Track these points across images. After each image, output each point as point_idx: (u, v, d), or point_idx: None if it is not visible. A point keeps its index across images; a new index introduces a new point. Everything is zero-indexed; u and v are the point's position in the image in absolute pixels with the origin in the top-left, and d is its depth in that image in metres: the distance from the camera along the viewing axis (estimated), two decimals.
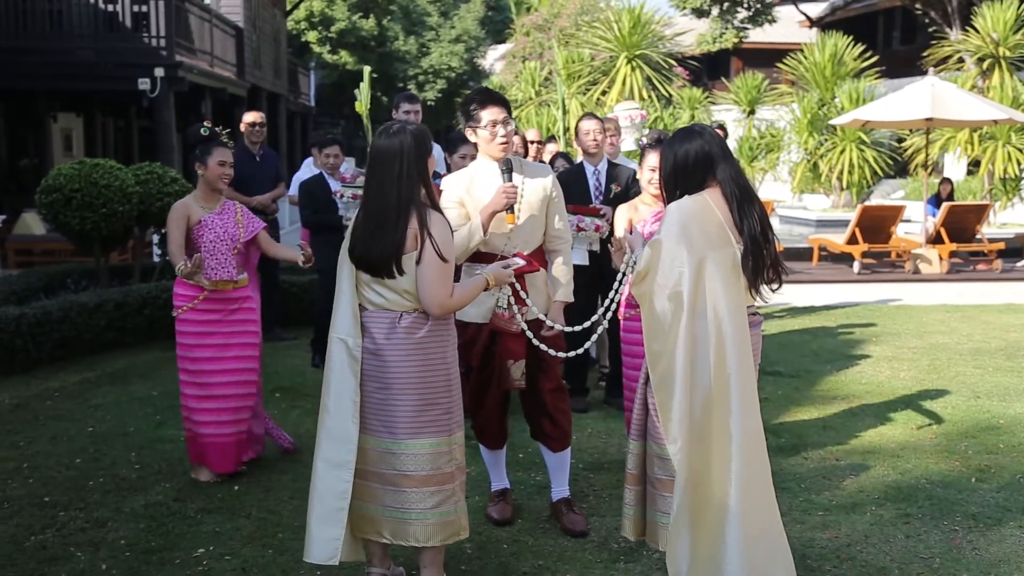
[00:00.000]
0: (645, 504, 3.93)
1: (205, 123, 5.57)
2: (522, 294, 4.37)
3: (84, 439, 6.02)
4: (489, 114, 4.43)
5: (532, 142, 8.08)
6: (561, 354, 4.47)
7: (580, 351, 4.71)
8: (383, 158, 3.67)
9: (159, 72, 15.53)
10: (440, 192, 6.09)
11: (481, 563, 4.28)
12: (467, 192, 4.49)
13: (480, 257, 4.43)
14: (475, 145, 4.63)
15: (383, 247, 3.63)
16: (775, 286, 3.86)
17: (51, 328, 7.75)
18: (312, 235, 8.08)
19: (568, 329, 4.46)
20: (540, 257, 4.61)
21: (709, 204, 3.71)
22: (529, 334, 4.35)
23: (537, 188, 4.54)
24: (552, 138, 8.60)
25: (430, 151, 3.77)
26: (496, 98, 4.49)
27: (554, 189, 4.62)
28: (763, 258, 3.72)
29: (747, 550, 3.57)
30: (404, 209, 3.63)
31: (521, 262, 4.06)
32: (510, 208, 4.37)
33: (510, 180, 4.39)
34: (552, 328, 4.45)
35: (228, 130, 5.96)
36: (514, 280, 4.13)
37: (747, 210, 3.71)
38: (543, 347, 4.36)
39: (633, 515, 3.95)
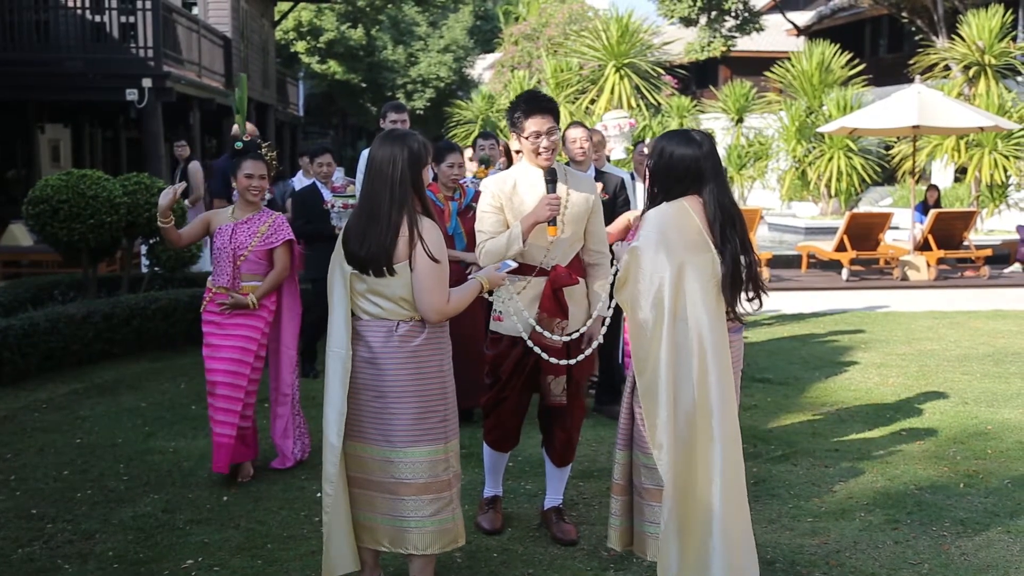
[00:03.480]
0: (631, 514, 3.92)
1: (243, 137, 5.58)
2: (546, 331, 4.34)
3: (72, 451, 5.99)
4: (534, 124, 4.34)
5: (517, 151, 8.06)
6: (555, 360, 4.44)
7: (580, 359, 4.68)
8: (379, 163, 3.73)
9: (147, 83, 15.50)
10: (440, 206, 6.12)
11: (471, 572, 4.27)
12: (508, 199, 4.42)
13: (518, 269, 4.34)
14: (462, 152, 4.60)
15: (372, 242, 3.66)
16: (756, 304, 3.86)
17: (39, 339, 7.72)
18: (306, 245, 8.06)
19: (559, 338, 4.45)
20: (578, 268, 4.55)
21: (687, 210, 3.72)
22: (529, 342, 4.33)
23: (581, 200, 4.47)
24: None
25: (426, 162, 3.78)
26: (542, 107, 4.38)
27: (596, 200, 4.56)
28: (741, 277, 3.73)
29: (729, 552, 3.59)
30: (396, 208, 3.66)
31: (513, 264, 4.05)
32: (552, 220, 4.30)
33: (554, 191, 4.32)
34: (591, 344, 4.45)
35: (268, 143, 5.93)
36: (505, 283, 4.12)
37: (729, 234, 3.69)
38: (544, 355, 4.34)
39: (619, 525, 3.94)
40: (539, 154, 4.37)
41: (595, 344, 4.47)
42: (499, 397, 4.57)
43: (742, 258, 3.73)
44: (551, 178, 4.33)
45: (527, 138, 4.37)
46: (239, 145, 5.46)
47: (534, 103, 4.40)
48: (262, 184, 5.42)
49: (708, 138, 3.85)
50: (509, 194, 4.43)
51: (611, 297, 4.41)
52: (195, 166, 12.87)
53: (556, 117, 4.42)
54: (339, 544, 3.79)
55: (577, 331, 4.44)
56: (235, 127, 8.86)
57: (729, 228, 3.71)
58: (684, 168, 3.74)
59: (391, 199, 3.68)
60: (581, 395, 4.65)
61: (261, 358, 5.50)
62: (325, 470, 3.77)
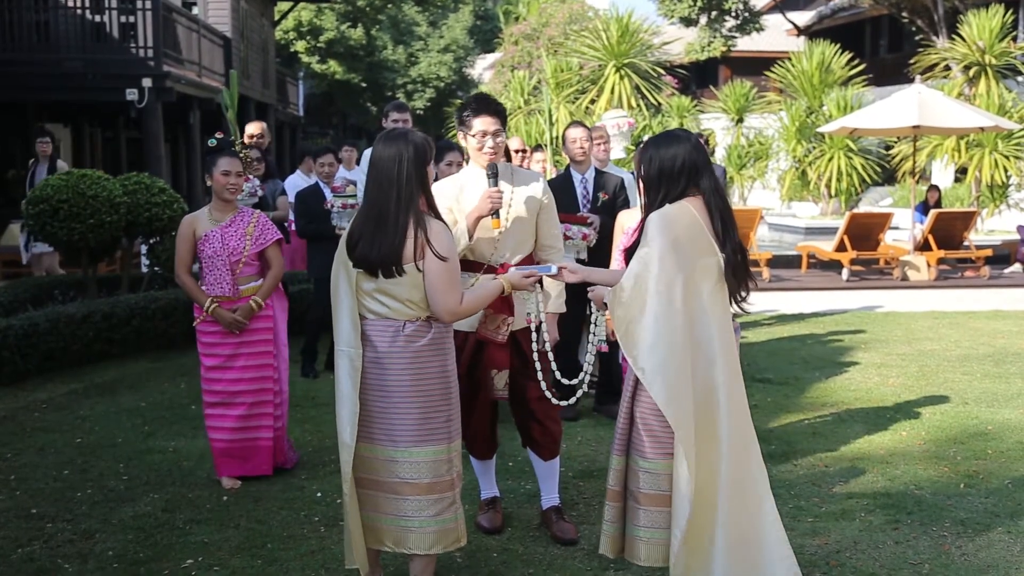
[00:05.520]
0: (624, 520, 3.89)
1: (216, 134, 5.56)
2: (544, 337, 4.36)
3: (72, 450, 5.99)
4: (481, 123, 4.41)
5: (516, 151, 8.06)
6: (558, 400, 4.44)
7: (574, 399, 4.66)
8: (382, 163, 3.71)
9: (147, 83, 15.49)
10: None
11: (471, 571, 4.27)
12: (455, 200, 4.49)
13: (467, 266, 4.41)
14: (461, 151, 4.63)
15: (382, 245, 3.65)
16: (743, 293, 3.86)
17: (38, 339, 7.71)
18: (308, 244, 8.07)
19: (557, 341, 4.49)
20: (529, 264, 4.61)
21: (692, 212, 3.69)
22: (535, 349, 4.34)
23: (527, 195, 4.53)
24: (539, 147, 8.63)
25: (430, 159, 3.78)
26: (491, 108, 4.45)
27: (545, 196, 4.61)
28: (740, 274, 3.73)
29: (732, 556, 3.58)
30: (403, 209, 3.65)
31: (554, 269, 4.05)
32: (495, 213, 4.35)
33: (495, 185, 4.37)
34: (545, 342, 4.45)
35: (240, 140, 5.90)
36: (532, 289, 4.14)
37: (728, 223, 3.70)
38: (537, 363, 4.35)
39: (612, 532, 3.86)
40: (482, 150, 4.43)
41: (591, 362, 4.45)
42: (464, 400, 4.54)
43: (745, 250, 3.74)
44: (492, 172, 4.39)
45: (473, 136, 4.43)
46: (213, 142, 5.44)
47: (483, 104, 4.48)
48: (239, 182, 5.41)
49: (690, 132, 3.87)
50: (456, 195, 4.49)
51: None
52: (62, 166, 11.82)
53: (504, 121, 4.50)
54: (357, 543, 3.80)
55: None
56: (250, 126, 8.86)
57: (728, 217, 3.71)
58: (680, 164, 3.70)
59: (398, 200, 3.66)
60: (548, 385, 4.64)
61: (276, 355, 5.54)
62: (342, 470, 3.77)
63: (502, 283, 3.93)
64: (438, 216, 3.79)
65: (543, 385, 4.32)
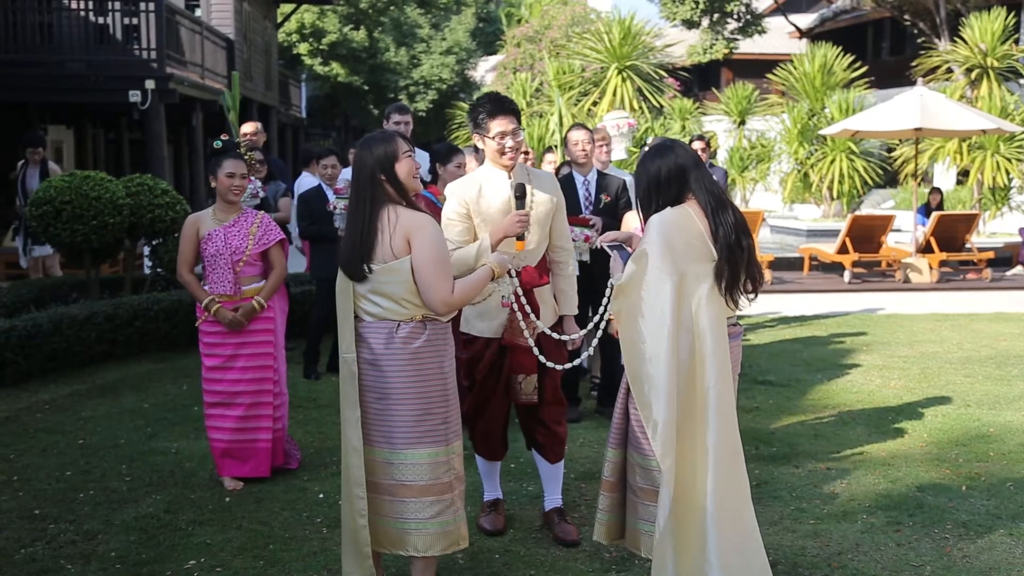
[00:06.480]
0: (620, 510, 3.95)
1: (221, 136, 5.58)
2: (528, 309, 4.36)
3: (74, 451, 6.00)
4: (498, 125, 4.38)
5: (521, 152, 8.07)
6: (557, 366, 4.47)
7: (576, 363, 4.69)
8: (353, 169, 3.83)
9: (150, 84, 15.49)
10: (432, 200, 6.12)
11: (473, 573, 4.28)
12: (475, 201, 4.45)
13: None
14: (465, 153, 4.61)
15: (347, 246, 3.74)
16: (752, 295, 3.87)
17: (41, 340, 7.72)
18: (312, 246, 8.08)
19: (559, 336, 4.48)
20: (543, 266, 4.60)
21: (691, 215, 3.73)
22: (537, 352, 4.34)
23: (545, 200, 4.53)
24: (550, 148, 8.64)
25: (393, 156, 3.76)
26: (506, 108, 4.42)
27: (559, 199, 4.62)
28: (738, 266, 3.73)
29: (725, 561, 3.59)
30: (363, 209, 3.72)
31: (628, 251, 4.07)
32: (520, 235, 4.32)
33: (523, 207, 4.31)
34: (574, 341, 4.46)
35: (246, 143, 5.90)
36: (515, 275, 4.16)
37: (721, 218, 3.72)
38: (549, 363, 4.36)
39: (607, 520, 3.97)
40: (503, 154, 4.41)
41: (591, 344, 4.48)
42: (478, 401, 4.59)
43: (742, 242, 3.73)
44: (520, 194, 4.30)
45: (492, 138, 4.40)
46: (218, 144, 5.46)
47: (499, 104, 4.44)
48: (243, 183, 5.43)
49: (676, 141, 3.93)
50: (475, 198, 4.47)
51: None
52: (55, 168, 11.45)
53: (519, 119, 4.47)
54: (363, 546, 3.80)
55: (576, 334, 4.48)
56: (245, 126, 8.89)
57: (721, 212, 3.73)
58: (667, 172, 3.77)
59: (358, 201, 3.74)
60: (558, 390, 4.67)
61: (277, 357, 5.54)
62: (353, 475, 3.76)
63: (490, 268, 3.94)
64: (412, 206, 3.80)
65: (549, 363, 4.35)
